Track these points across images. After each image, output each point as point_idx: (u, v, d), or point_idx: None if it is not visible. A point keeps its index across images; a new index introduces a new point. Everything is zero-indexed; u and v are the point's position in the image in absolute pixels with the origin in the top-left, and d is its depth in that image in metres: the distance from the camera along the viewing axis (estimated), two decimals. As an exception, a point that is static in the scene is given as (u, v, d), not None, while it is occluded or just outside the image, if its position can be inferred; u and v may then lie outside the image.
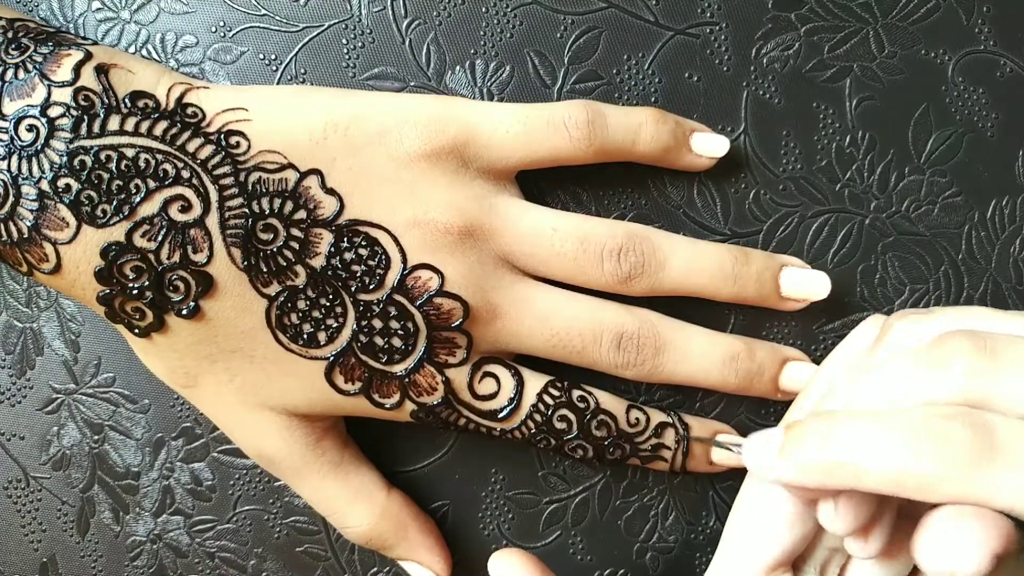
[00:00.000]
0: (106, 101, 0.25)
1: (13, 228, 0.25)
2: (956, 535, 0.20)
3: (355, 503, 0.29)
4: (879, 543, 0.24)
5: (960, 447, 0.20)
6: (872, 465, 0.21)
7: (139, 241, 0.25)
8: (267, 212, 0.26)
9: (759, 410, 0.31)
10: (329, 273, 0.26)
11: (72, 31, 0.30)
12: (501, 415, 0.27)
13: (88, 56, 0.25)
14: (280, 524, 0.32)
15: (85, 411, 0.31)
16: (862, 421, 0.22)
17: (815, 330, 0.31)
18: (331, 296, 0.26)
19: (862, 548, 0.24)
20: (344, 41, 0.30)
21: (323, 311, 0.26)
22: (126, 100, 0.25)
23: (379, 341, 0.26)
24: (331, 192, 0.26)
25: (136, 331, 0.26)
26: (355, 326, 0.26)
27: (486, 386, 0.27)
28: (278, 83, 0.30)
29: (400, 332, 0.26)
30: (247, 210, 0.25)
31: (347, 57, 0.30)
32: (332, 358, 0.26)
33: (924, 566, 0.21)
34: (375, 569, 0.32)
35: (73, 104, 0.25)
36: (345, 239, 0.26)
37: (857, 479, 0.21)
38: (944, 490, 0.20)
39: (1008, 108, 0.32)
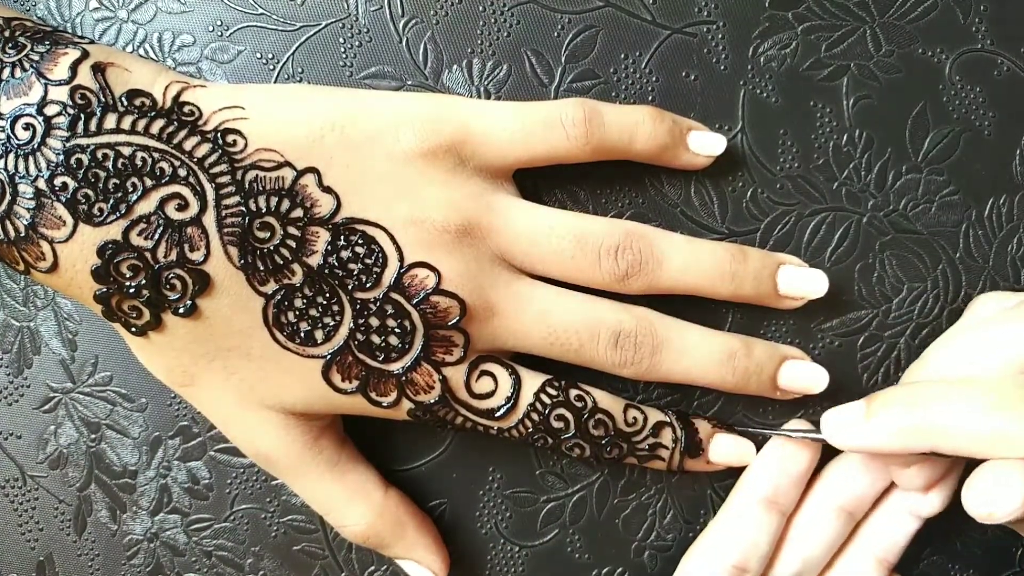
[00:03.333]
0: (103, 99, 0.25)
1: (10, 227, 0.25)
2: (1002, 485, 0.23)
3: (352, 502, 0.29)
4: (945, 497, 0.28)
5: None
6: (956, 427, 0.24)
7: (136, 239, 0.25)
8: (264, 210, 0.26)
9: (757, 408, 0.31)
10: (326, 271, 0.26)
11: (69, 30, 0.30)
12: (498, 414, 0.27)
13: (85, 55, 0.25)
14: (277, 523, 0.32)
15: (82, 410, 0.31)
16: (944, 387, 0.25)
17: (813, 328, 0.31)
18: (328, 294, 0.26)
19: (930, 504, 0.29)
20: (341, 40, 0.30)
21: (320, 309, 0.26)
22: (123, 98, 0.25)
23: (376, 339, 0.26)
24: (328, 190, 0.26)
25: (133, 330, 0.26)
26: (352, 324, 0.26)
27: (483, 385, 0.27)
28: (275, 82, 0.30)
29: (397, 330, 0.26)
30: (244, 208, 0.25)
31: (344, 56, 0.30)
32: (329, 356, 0.26)
33: (969, 508, 0.24)
34: (372, 568, 0.32)
35: (70, 102, 0.25)
36: (342, 237, 0.26)
37: (940, 441, 0.24)
38: (1009, 450, 0.23)
39: (1005, 107, 0.32)
